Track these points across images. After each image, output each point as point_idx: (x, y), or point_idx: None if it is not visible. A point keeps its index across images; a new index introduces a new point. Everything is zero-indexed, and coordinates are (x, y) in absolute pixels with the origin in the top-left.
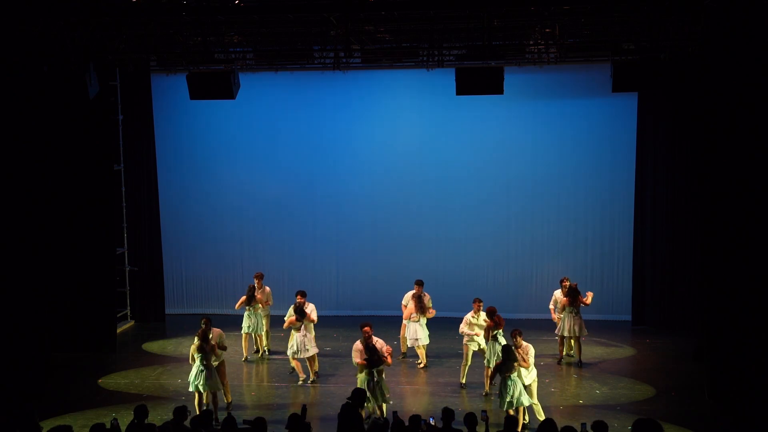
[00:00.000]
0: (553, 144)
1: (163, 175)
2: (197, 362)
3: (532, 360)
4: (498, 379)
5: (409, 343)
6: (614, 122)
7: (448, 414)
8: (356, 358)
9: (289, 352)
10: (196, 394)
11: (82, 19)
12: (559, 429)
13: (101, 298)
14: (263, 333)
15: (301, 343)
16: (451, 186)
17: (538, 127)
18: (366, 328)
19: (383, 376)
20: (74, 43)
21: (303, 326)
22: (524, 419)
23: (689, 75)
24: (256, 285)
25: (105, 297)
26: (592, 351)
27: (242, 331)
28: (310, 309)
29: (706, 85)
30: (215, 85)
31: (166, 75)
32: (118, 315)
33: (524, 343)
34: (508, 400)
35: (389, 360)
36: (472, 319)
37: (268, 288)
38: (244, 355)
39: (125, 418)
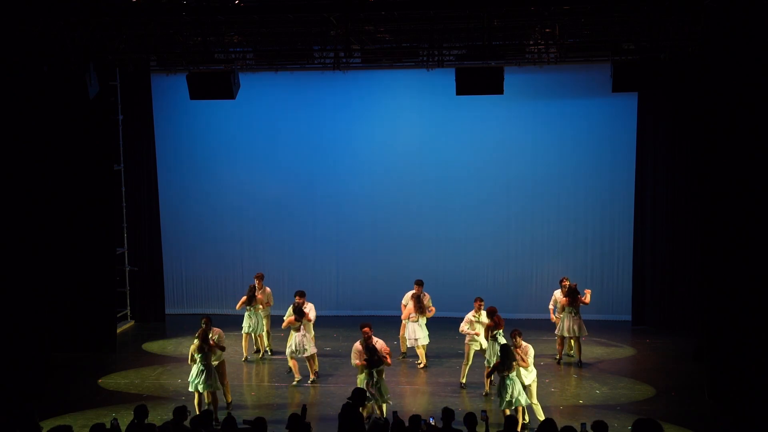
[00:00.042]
0: (553, 144)
1: (163, 175)
2: (197, 362)
3: (531, 360)
4: (497, 378)
5: (408, 344)
6: (614, 122)
7: (448, 414)
8: (355, 359)
9: (288, 352)
10: (196, 394)
11: (82, 19)
12: (559, 429)
13: (101, 298)
14: (264, 333)
15: (300, 342)
16: (451, 186)
17: (538, 127)
18: (365, 329)
19: (383, 376)
20: (74, 43)
21: (302, 326)
22: (524, 419)
23: (689, 75)
24: (256, 285)
25: (105, 297)
26: (592, 351)
27: (242, 331)
28: (309, 308)
29: (706, 85)
30: (215, 85)
31: (166, 75)
32: (118, 315)
33: (524, 344)
34: (507, 399)
35: (389, 360)
36: (473, 318)
37: (268, 288)
38: (244, 355)
39: (125, 418)
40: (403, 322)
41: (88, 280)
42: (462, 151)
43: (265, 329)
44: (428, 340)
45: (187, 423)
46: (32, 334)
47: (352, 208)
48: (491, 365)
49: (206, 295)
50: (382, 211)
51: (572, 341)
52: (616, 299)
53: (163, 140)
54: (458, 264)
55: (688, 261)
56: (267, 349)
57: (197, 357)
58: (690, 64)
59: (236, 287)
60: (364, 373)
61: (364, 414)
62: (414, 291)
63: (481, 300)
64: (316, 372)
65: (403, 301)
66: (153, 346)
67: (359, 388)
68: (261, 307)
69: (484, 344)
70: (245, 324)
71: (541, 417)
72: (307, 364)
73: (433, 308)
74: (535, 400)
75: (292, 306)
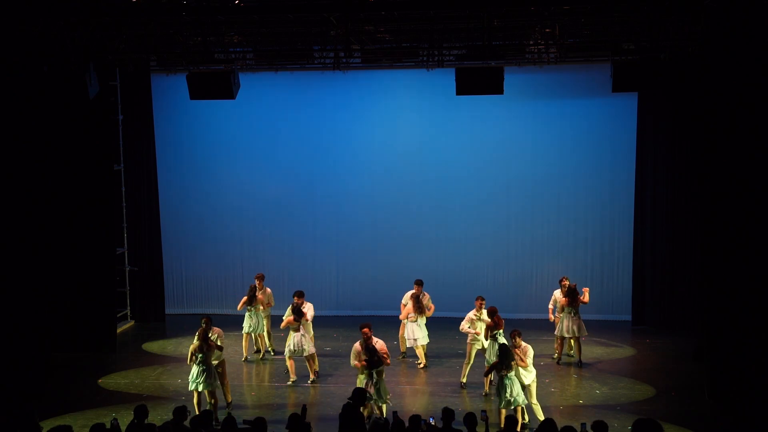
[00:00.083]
0: (553, 144)
1: (163, 175)
2: (197, 362)
3: (530, 361)
4: (496, 378)
5: (408, 343)
6: (614, 122)
7: (448, 414)
8: (354, 359)
9: (287, 351)
10: (195, 393)
11: (82, 19)
12: (559, 429)
13: (101, 298)
14: (264, 333)
15: (299, 343)
16: (451, 186)
17: (538, 127)
18: (365, 330)
19: (383, 376)
20: (74, 43)
21: (300, 326)
22: (523, 419)
23: (689, 75)
24: (257, 285)
25: (105, 297)
26: (592, 351)
27: (243, 331)
28: (307, 308)
29: (706, 85)
30: (215, 85)
31: (166, 75)
32: (118, 315)
33: (523, 344)
34: (506, 399)
35: (388, 361)
36: (474, 317)
37: (269, 289)
38: (244, 355)
39: (125, 418)
40: (403, 321)
41: (88, 280)
42: (462, 151)
43: (265, 329)
44: (428, 340)
45: (187, 423)
46: (32, 334)
47: (352, 208)
48: (490, 365)
49: (206, 295)
50: (382, 211)
51: (572, 341)
52: (616, 299)
53: (163, 140)
54: (458, 264)
55: (688, 261)
56: (269, 349)
57: (197, 357)
58: (690, 64)
59: (236, 287)
60: (364, 374)
61: (365, 414)
62: (414, 291)
63: (483, 299)
64: (317, 372)
65: (403, 301)
66: (153, 346)
67: (360, 388)
68: (262, 307)
69: (486, 344)
70: (246, 324)
71: (541, 417)
72: (307, 364)
73: (432, 306)
74: (534, 401)
75: (291, 306)
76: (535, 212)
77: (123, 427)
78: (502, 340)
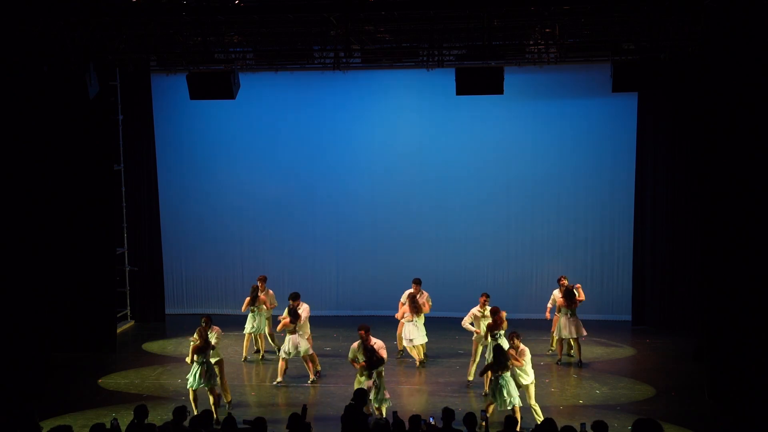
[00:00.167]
0: (553, 144)
1: (163, 175)
2: (196, 361)
3: (528, 361)
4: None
5: (404, 343)
6: (614, 122)
7: (448, 414)
8: (352, 356)
9: (281, 353)
10: (191, 391)
11: (82, 19)
12: (559, 429)
13: (101, 298)
14: (266, 334)
15: (295, 344)
16: (451, 186)
17: (538, 127)
18: (361, 332)
19: (383, 376)
20: (74, 43)
21: (296, 327)
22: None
23: (689, 75)
24: (259, 287)
25: (105, 297)
26: (592, 351)
27: (245, 331)
28: (302, 309)
29: (706, 85)
30: (215, 85)
31: (166, 75)
32: (118, 315)
33: (522, 346)
34: (502, 399)
35: (383, 354)
36: (477, 313)
37: (271, 291)
38: (244, 355)
39: (125, 418)
40: (401, 320)
41: (88, 280)
42: (462, 151)
43: (266, 330)
44: (426, 339)
45: (186, 423)
46: (32, 334)
47: (352, 208)
48: (486, 366)
49: (206, 295)
50: (382, 211)
51: (572, 341)
52: (616, 299)
53: (163, 140)
54: (458, 264)
55: (688, 261)
56: (275, 349)
57: (197, 356)
58: (690, 64)
59: (236, 287)
60: (363, 375)
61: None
62: (411, 290)
63: (487, 296)
64: (318, 372)
65: (402, 300)
66: (153, 346)
67: (361, 389)
68: (265, 307)
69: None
70: (248, 324)
71: (540, 418)
72: (306, 365)
73: (429, 304)
74: (533, 402)
75: (287, 309)
76: (535, 212)
77: (123, 427)
78: (504, 341)
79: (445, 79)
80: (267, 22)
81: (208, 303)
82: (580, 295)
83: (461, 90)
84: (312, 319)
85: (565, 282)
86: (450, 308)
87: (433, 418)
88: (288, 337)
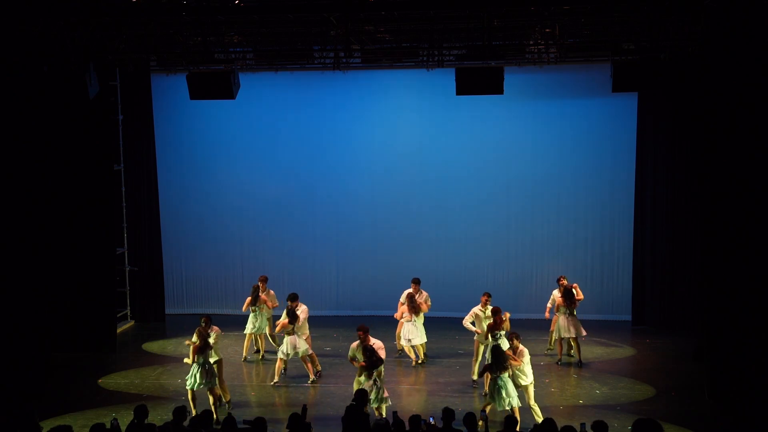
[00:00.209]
0: (553, 144)
1: (163, 175)
2: (196, 361)
3: (527, 362)
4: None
5: (402, 342)
6: (614, 122)
7: (448, 414)
8: (351, 355)
9: (279, 353)
10: (190, 391)
11: (82, 19)
12: (559, 429)
13: (101, 298)
14: (266, 333)
15: (293, 345)
16: (451, 186)
17: (538, 127)
18: (360, 333)
19: (382, 376)
20: (74, 43)
21: (294, 328)
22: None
23: (689, 75)
24: (260, 287)
25: (105, 297)
26: (592, 351)
27: (246, 331)
28: (301, 310)
29: (706, 85)
30: (215, 85)
31: (166, 75)
32: (118, 315)
33: (521, 346)
34: (500, 400)
35: (382, 354)
36: (479, 312)
37: (272, 291)
38: (244, 355)
39: (125, 418)
40: (400, 320)
41: (88, 280)
42: (462, 151)
43: (267, 330)
44: (425, 339)
45: (186, 423)
46: (32, 334)
47: (352, 208)
48: (484, 366)
49: (206, 295)
50: (382, 211)
51: (572, 341)
52: (616, 299)
53: (163, 140)
54: (458, 264)
55: (688, 261)
56: (276, 349)
57: (197, 356)
58: (690, 64)
59: (236, 287)
60: (363, 375)
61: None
62: (410, 290)
63: (489, 295)
64: (319, 372)
65: (401, 299)
66: (153, 346)
67: (362, 390)
68: (266, 307)
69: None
70: (249, 324)
71: (540, 418)
72: (305, 365)
73: (428, 304)
74: (533, 402)
75: (285, 310)
76: (535, 212)
77: (123, 427)
78: (504, 341)
79: (445, 79)
80: (267, 22)
81: (208, 303)
82: (578, 294)
83: (461, 90)
84: (312, 319)
85: (565, 282)
86: (450, 308)
87: (433, 418)
88: (286, 338)
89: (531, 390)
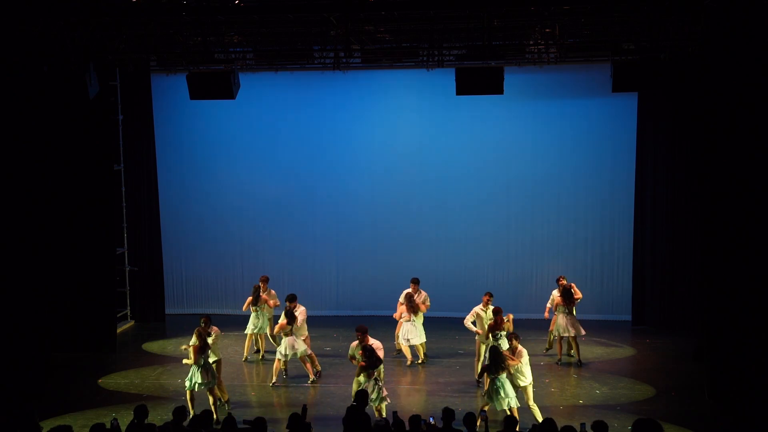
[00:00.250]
0: (553, 144)
1: (163, 175)
2: (195, 361)
3: (526, 364)
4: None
5: (401, 341)
6: (614, 122)
7: (448, 414)
8: (351, 354)
9: (277, 354)
10: (188, 392)
11: (82, 19)
12: (559, 429)
13: (101, 298)
14: (267, 333)
15: (290, 346)
16: (451, 186)
17: (538, 127)
18: (358, 334)
19: (382, 376)
20: (74, 43)
21: (292, 329)
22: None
23: (689, 75)
24: (261, 287)
25: (105, 297)
26: (592, 351)
27: (247, 331)
28: (299, 312)
29: (706, 85)
30: (215, 85)
31: (166, 75)
32: (118, 315)
33: (519, 347)
34: (498, 400)
35: (380, 354)
36: (481, 312)
37: (273, 291)
38: (245, 355)
39: (125, 418)
40: (399, 320)
41: (88, 280)
42: (462, 151)
43: (268, 330)
44: (424, 339)
45: (186, 423)
46: (32, 334)
47: (352, 208)
48: (482, 367)
49: (206, 295)
50: (382, 211)
51: (571, 340)
52: (616, 299)
53: (163, 140)
54: (458, 264)
55: (688, 261)
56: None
57: (197, 357)
58: (690, 64)
59: (236, 287)
60: (362, 375)
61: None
62: (409, 290)
63: (491, 295)
64: (319, 372)
65: (401, 299)
66: (153, 346)
67: (362, 390)
68: (267, 306)
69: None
70: (251, 324)
71: (540, 418)
72: (304, 365)
73: (426, 304)
74: (531, 403)
75: (284, 310)
76: (535, 212)
77: (123, 427)
78: (504, 341)
79: (445, 79)
80: (267, 22)
81: (208, 303)
82: (576, 293)
83: (461, 90)
84: (312, 319)
85: (564, 282)
86: (450, 308)
87: (433, 418)
88: (284, 338)
89: (530, 390)
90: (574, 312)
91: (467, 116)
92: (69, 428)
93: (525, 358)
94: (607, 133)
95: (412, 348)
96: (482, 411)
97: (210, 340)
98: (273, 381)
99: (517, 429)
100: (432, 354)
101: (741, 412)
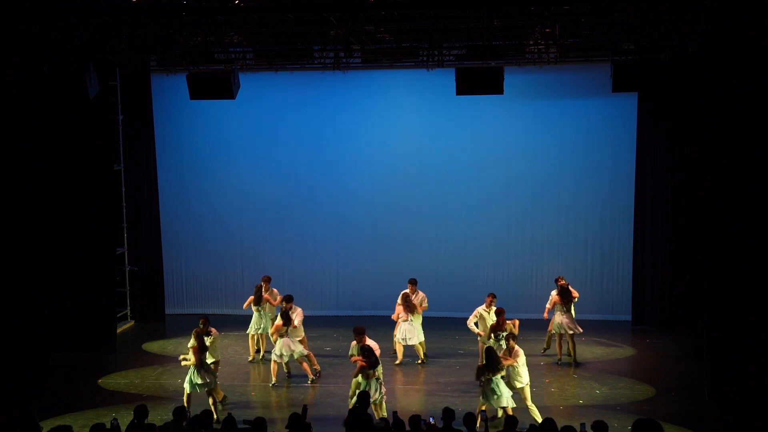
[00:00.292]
0: (553, 144)
1: (163, 175)
2: (195, 363)
3: (523, 365)
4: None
5: (397, 340)
6: (614, 122)
7: (448, 414)
8: (352, 353)
9: (273, 355)
10: (186, 393)
11: (82, 19)
12: (559, 429)
13: (101, 298)
14: (269, 334)
15: (287, 346)
16: (451, 186)
17: (538, 127)
18: (355, 336)
19: (381, 376)
20: (74, 43)
21: (288, 330)
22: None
23: (689, 75)
24: (263, 287)
25: (105, 297)
26: (592, 351)
27: (250, 332)
28: (296, 314)
29: (706, 85)
30: (215, 85)
31: (166, 75)
32: (118, 315)
33: (516, 347)
34: (494, 400)
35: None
36: (483, 313)
37: (275, 290)
38: (252, 356)
39: (125, 418)
40: (398, 321)
41: (88, 280)
42: (462, 151)
43: (269, 330)
44: (422, 338)
45: (186, 423)
46: (32, 334)
47: (352, 208)
48: (477, 368)
49: (206, 295)
50: (382, 211)
51: (568, 338)
52: (616, 299)
53: (163, 140)
54: (458, 264)
55: (688, 261)
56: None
57: (196, 358)
58: (690, 64)
59: (236, 287)
60: (360, 375)
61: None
62: (407, 290)
63: (494, 296)
64: (319, 372)
65: (399, 300)
66: (153, 346)
67: (364, 392)
68: (269, 305)
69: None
70: (253, 324)
71: (539, 419)
72: (303, 366)
73: (424, 305)
74: (530, 403)
75: (280, 311)
76: (535, 212)
77: (123, 427)
78: (504, 343)
79: (445, 79)
80: (267, 22)
81: (208, 303)
82: (572, 292)
83: (461, 90)
84: (311, 319)
85: (563, 282)
86: (450, 308)
87: (433, 418)
88: (279, 340)
89: (527, 391)
90: (572, 311)
91: (467, 116)
92: (69, 428)
93: (522, 359)
94: (607, 133)
95: (410, 348)
96: (482, 411)
97: (208, 341)
98: (273, 382)
99: (517, 429)
100: (432, 354)
101: (741, 412)
